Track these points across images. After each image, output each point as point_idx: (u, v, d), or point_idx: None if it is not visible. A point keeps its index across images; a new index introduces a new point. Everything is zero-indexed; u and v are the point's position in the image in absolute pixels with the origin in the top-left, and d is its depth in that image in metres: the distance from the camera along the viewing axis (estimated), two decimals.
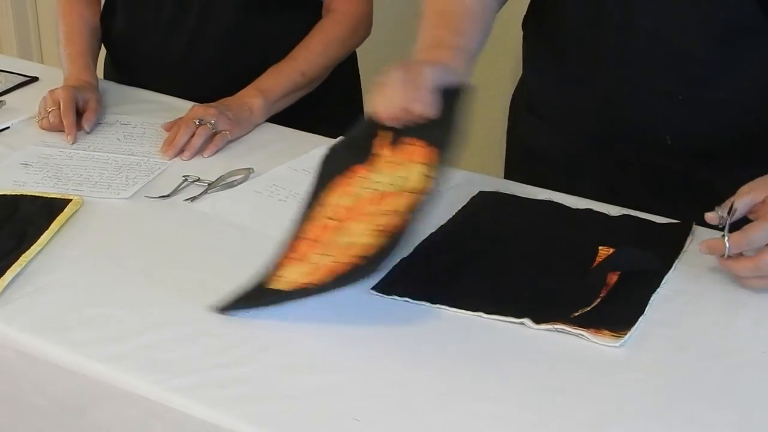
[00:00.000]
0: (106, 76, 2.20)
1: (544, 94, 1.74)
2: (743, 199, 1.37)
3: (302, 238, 1.38)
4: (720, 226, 1.37)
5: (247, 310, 1.35)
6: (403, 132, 1.40)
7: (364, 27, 2.09)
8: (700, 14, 1.51)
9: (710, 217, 1.38)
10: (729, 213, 1.36)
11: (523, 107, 1.80)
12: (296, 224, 1.41)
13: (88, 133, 1.88)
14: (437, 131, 1.38)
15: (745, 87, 1.54)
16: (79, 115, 1.90)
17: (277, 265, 1.37)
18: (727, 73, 1.53)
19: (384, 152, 1.41)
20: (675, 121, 1.58)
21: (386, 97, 1.40)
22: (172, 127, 1.85)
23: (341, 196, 1.40)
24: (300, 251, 1.37)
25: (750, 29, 1.50)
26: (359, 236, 1.34)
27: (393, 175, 1.38)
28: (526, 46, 1.77)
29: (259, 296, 1.35)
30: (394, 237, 1.32)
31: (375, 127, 1.42)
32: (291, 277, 1.35)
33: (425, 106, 1.38)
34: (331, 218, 1.38)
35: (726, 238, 1.35)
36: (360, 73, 2.27)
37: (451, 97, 1.42)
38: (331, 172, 1.43)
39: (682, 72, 1.55)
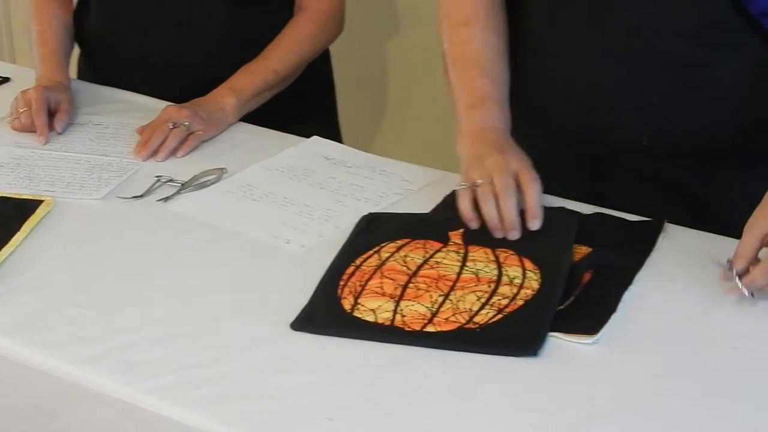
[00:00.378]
0: (80, 76, 2.19)
1: (517, 91, 1.74)
2: (751, 234, 1.36)
3: (375, 273, 1.40)
4: (735, 278, 1.36)
5: (325, 335, 1.32)
6: (500, 243, 1.45)
7: (335, 23, 2.09)
8: (675, 14, 1.51)
9: (724, 277, 1.38)
10: (730, 268, 1.36)
11: None
12: (350, 255, 1.45)
13: (59, 134, 1.87)
14: (544, 252, 1.42)
15: (724, 87, 1.54)
16: (51, 115, 1.89)
17: (354, 293, 1.37)
18: (706, 73, 1.53)
19: (458, 241, 1.46)
20: (651, 121, 1.58)
21: (488, 204, 1.46)
22: (144, 130, 1.85)
23: (414, 253, 1.44)
24: (382, 287, 1.37)
25: (728, 30, 1.50)
26: (459, 301, 1.35)
27: (490, 267, 1.41)
28: None
29: (344, 325, 1.33)
30: (506, 316, 1.32)
31: (456, 224, 1.49)
32: (371, 306, 1.35)
33: (535, 225, 1.45)
34: (409, 269, 1.40)
35: (740, 283, 1.35)
36: (333, 72, 2.26)
37: (559, 223, 1.48)
38: (395, 231, 1.49)
39: (658, 72, 1.55)
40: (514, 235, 1.45)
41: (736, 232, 1.40)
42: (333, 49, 2.19)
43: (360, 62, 2.84)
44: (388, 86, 2.89)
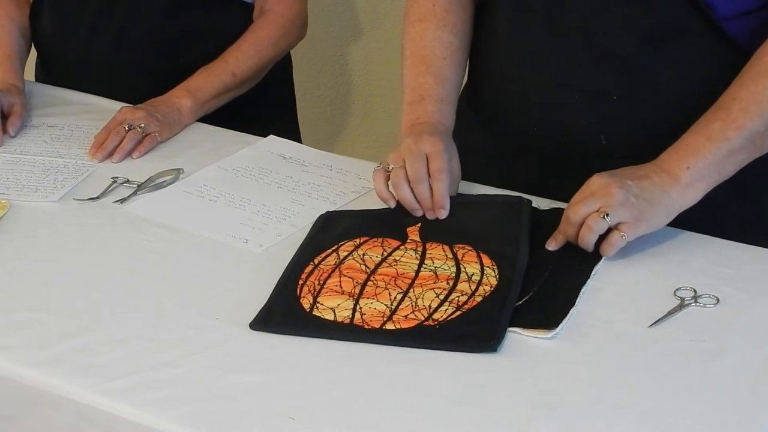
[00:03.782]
0: (37, 78, 2.17)
1: (480, 91, 1.74)
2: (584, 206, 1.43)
3: (334, 272, 1.40)
4: None
5: (285, 335, 1.31)
6: (456, 239, 1.46)
7: (296, 28, 2.08)
8: (632, 15, 1.51)
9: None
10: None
11: (464, 104, 1.81)
12: (308, 254, 1.45)
13: (13, 137, 1.86)
14: (496, 245, 1.44)
15: (680, 88, 1.54)
16: (4, 118, 1.87)
17: (313, 291, 1.37)
18: (660, 74, 1.53)
19: (416, 237, 1.47)
20: (609, 122, 1.58)
21: (400, 190, 1.51)
22: (99, 132, 1.83)
23: (372, 251, 1.44)
24: (340, 286, 1.37)
25: (683, 30, 1.51)
26: (418, 299, 1.35)
27: (448, 264, 1.42)
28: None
29: (303, 324, 1.32)
30: (465, 312, 1.33)
31: (414, 219, 1.51)
32: (330, 305, 1.34)
33: (442, 215, 1.50)
34: (367, 267, 1.40)
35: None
36: (295, 75, 2.26)
37: (510, 209, 1.51)
38: (353, 229, 1.49)
39: (615, 73, 1.55)
40: (442, 214, 1.49)
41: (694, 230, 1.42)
42: (295, 51, 2.18)
43: (322, 65, 2.83)
44: (351, 88, 2.88)
